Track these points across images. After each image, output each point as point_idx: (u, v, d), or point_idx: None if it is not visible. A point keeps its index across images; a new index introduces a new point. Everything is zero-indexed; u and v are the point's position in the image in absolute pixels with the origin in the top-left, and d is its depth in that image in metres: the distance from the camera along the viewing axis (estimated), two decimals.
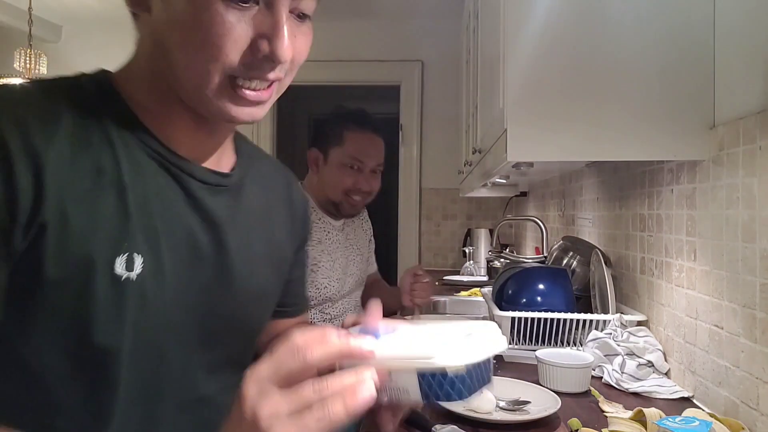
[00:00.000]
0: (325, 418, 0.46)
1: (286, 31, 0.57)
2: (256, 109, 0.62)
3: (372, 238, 1.95)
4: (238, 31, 0.56)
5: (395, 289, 1.87)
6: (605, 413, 1.09)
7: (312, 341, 0.47)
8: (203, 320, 0.65)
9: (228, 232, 0.68)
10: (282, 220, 0.81)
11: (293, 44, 0.59)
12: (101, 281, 0.55)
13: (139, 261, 0.58)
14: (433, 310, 2.37)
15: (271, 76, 0.60)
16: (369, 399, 0.47)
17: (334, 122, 1.63)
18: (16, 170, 0.51)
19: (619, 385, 1.26)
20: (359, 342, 0.49)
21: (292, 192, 0.86)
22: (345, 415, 0.46)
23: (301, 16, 0.61)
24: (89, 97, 0.60)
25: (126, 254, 0.57)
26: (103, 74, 0.64)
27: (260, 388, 0.46)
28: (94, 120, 0.59)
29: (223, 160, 0.70)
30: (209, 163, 0.68)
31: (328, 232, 1.63)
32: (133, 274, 0.57)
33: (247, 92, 0.59)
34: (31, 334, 0.54)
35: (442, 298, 2.49)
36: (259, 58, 0.58)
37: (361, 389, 0.47)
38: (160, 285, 0.60)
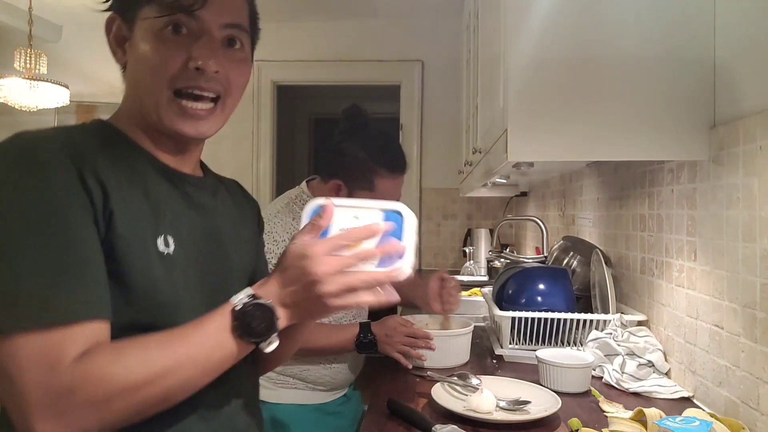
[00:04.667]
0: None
1: (210, 48, 0.75)
2: (200, 123, 0.77)
3: None
4: (174, 54, 0.74)
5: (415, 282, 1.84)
6: (605, 413, 1.09)
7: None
8: (210, 284, 0.81)
9: (216, 219, 0.86)
10: (245, 217, 0.98)
11: (222, 65, 0.76)
12: (153, 255, 0.72)
13: (171, 240, 0.75)
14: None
15: (206, 86, 0.75)
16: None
17: (366, 163, 1.52)
18: (87, 180, 0.68)
19: (619, 385, 1.26)
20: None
21: (245, 195, 1.04)
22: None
23: (231, 43, 0.78)
24: (106, 136, 0.77)
25: (163, 236, 0.74)
26: (101, 121, 0.81)
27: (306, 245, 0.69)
28: (115, 149, 0.76)
29: (196, 172, 0.89)
30: (189, 171, 0.86)
31: None
32: (170, 250, 0.74)
33: (186, 105, 0.75)
34: (114, 298, 0.68)
35: None
36: (191, 72, 0.74)
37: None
38: (185, 258, 0.77)
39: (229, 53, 0.78)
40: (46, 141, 0.69)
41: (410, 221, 0.70)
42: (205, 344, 0.68)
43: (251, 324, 0.68)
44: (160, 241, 0.74)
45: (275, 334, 0.69)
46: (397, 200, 1.60)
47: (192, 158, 0.86)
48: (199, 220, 0.82)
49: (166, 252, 0.74)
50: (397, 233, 0.70)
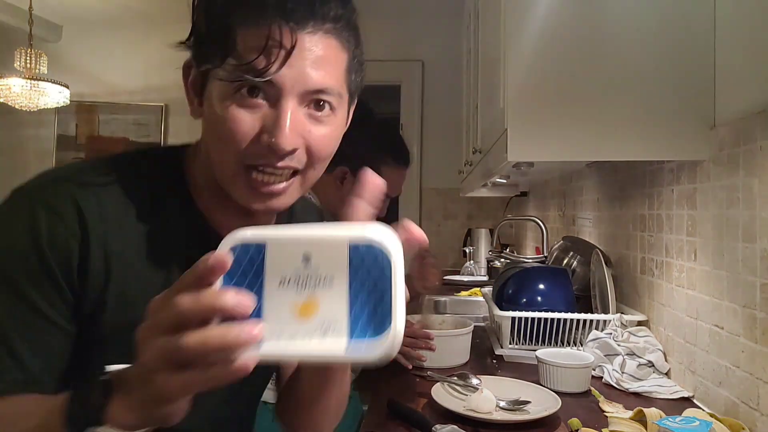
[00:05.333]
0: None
1: (287, 123, 0.62)
2: (273, 201, 0.67)
3: None
4: (246, 126, 0.63)
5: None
6: (605, 413, 1.09)
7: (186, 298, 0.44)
8: None
9: None
10: None
11: (304, 135, 0.65)
12: None
13: None
14: (433, 310, 2.38)
15: (281, 164, 0.65)
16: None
17: (372, 152, 1.52)
18: (92, 256, 0.64)
19: (619, 385, 1.26)
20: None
21: None
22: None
23: (319, 106, 0.65)
24: (160, 185, 0.71)
25: None
26: (177, 155, 0.74)
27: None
28: (160, 206, 0.70)
29: None
30: None
31: None
32: None
33: (258, 183, 0.65)
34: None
35: (442, 298, 2.49)
36: (264, 149, 0.63)
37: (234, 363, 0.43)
38: None
39: (313, 120, 0.66)
40: (66, 208, 0.63)
41: (396, 257, 0.44)
42: (34, 426, 0.54)
43: (72, 408, 0.51)
44: None
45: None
46: (400, 192, 1.60)
47: (259, 224, 0.77)
48: None
49: None
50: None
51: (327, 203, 1.58)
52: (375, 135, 1.56)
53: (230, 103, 0.63)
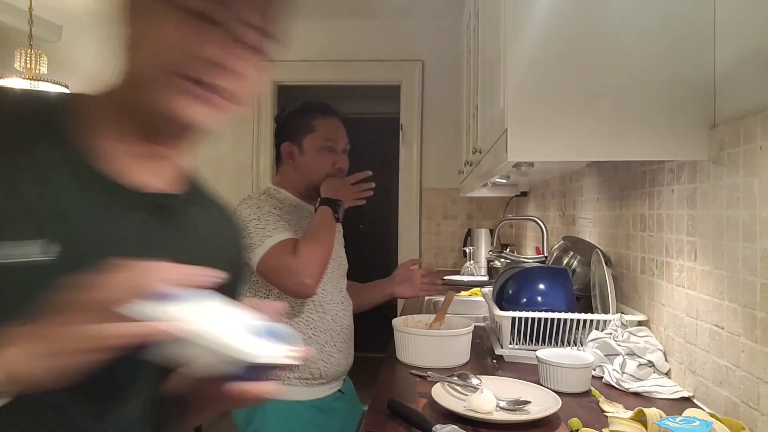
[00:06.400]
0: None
1: (236, 48, 0.65)
2: (209, 111, 0.66)
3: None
4: (194, 41, 0.63)
5: (383, 280, 1.97)
6: (606, 413, 1.09)
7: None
8: None
9: (158, 246, 0.69)
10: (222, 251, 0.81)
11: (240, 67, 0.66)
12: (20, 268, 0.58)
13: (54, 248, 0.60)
14: (433, 310, 2.37)
15: (219, 82, 0.65)
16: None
17: (300, 116, 1.73)
18: None
19: (619, 385, 1.26)
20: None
21: (235, 227, 0.89)
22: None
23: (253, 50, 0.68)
24: (34, 125, 0.66)
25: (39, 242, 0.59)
26: (60, 98, 0.71)
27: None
28: (29, 137, 0.64)
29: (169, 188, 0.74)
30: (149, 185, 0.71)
31: (308, 219, 1.64)
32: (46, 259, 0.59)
33: (196, 88, 0.64)
34: None
35: (442, 299, 2.48)
36: (204, 62, 0.64)
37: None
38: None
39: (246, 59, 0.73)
40: None
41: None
42: None
43: None
44: (31, 248, 0.58)
45: None
46: (348, 143, 1.76)
47: (163, 171, 0.73)
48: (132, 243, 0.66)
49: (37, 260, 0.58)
50: None
51: (283, 182, 1.72)
52: (298, 107, 1.77)
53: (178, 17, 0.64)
